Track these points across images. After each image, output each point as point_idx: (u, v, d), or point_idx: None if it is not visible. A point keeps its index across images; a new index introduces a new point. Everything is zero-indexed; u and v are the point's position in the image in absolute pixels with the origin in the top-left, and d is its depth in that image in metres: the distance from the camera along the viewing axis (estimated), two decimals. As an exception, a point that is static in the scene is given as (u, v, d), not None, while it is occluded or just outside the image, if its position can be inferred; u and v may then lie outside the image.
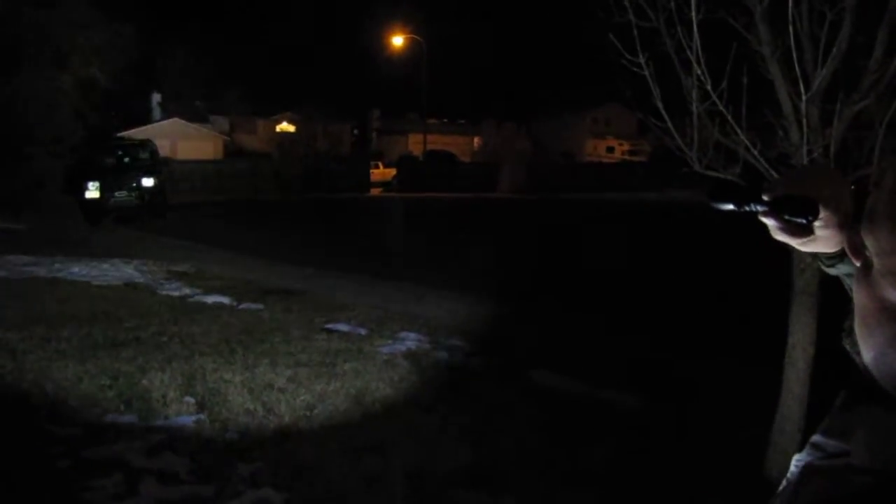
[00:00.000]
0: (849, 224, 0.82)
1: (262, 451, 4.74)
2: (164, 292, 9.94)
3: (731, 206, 0.90)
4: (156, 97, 48.22)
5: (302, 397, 5.70)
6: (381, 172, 43.00)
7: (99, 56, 25.46)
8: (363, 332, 7.88)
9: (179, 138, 42.46)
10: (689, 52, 3.67)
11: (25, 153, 26.57)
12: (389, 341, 7.52)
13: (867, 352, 0.71)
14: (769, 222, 0.87)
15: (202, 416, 5.29)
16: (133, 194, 20.77)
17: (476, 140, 59.24)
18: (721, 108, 3.62)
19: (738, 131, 3.65)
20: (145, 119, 45.73)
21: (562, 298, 10.10)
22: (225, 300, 9.42)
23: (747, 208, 0.88)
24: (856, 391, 0.73)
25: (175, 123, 44.92)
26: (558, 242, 16.75)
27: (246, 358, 6.68)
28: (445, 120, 60.64)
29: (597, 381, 6.22)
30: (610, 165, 46.81)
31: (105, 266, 11.80)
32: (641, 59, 3.82)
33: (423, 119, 45.98)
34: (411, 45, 43.78)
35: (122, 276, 11.10)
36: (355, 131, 59.06)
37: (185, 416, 5.31)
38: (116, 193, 20.49)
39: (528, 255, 14.39)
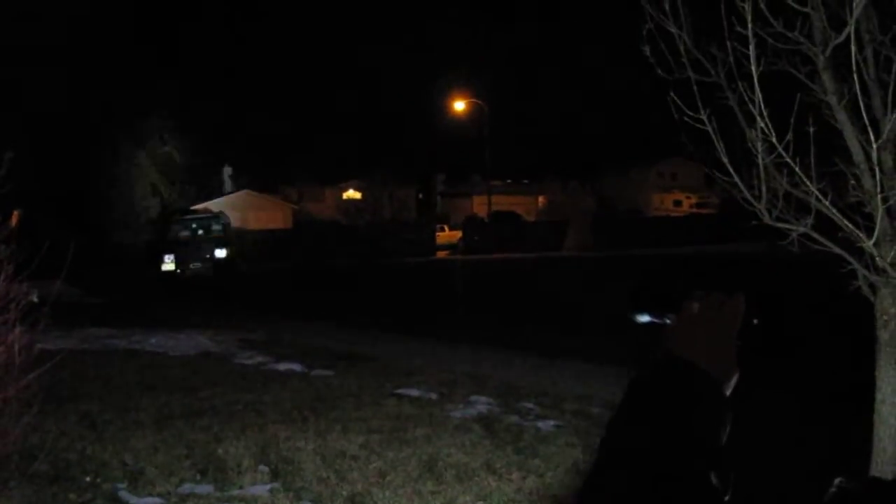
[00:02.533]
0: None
1: (336, 519, 4.72)
2: (238, 361, 10.12)
3: (647, 318, 0.96)
4: (227, 170, 49.91)
5: (374, 464, 5.68)
6: (447, 235, 43.33)
7: (174, 133, 26.62)
8: (434, 396, 7.85)
9: (250, 209, 43.69)
10: (751, 106, 3.63)
11: (106, 229, 27.76)
12: (460, 405, 7.47)
13: None
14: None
15: (276, 485, 5.31)
16: (207, 265, 21.39)
17: (541, 199, 59.30)
18: (787, 159, 3.56)
19: (807, 182, 3.57)
20: (218, 191, 47.31)
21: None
22: (296, 367, 9.53)
23: (667, 319, 0.94)
24: None
25: (246, 195, 46.32)
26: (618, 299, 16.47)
27: (318, 425, 6.71)
28: (509, 180, 60.98)
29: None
30: (678, 219, 46.20)
31: (181, 336, 12.10)
32: (703, 115, 3.79)
33: (486, 181, 46.40)
34: (473, 109, 44.48)
35: (197, 345, 11.36)
36: (420, 195, 59.88)
37: (259, 484, 5.34)
38: (192, 265, 21.15)
39: (594, 312, 14.19)
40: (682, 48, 4.04)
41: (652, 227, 42.46)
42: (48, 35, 21.50)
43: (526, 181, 62.91)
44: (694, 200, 54.98)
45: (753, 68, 3.55)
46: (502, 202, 50.56)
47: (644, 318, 0.94)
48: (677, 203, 57.48)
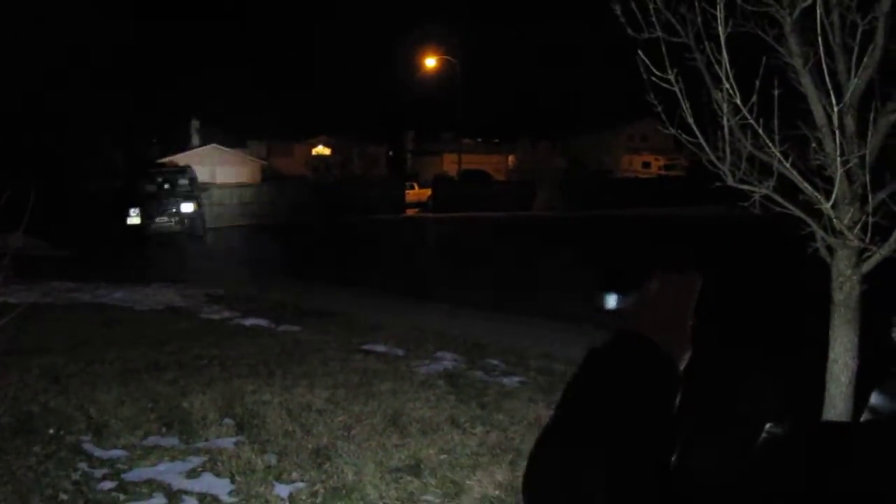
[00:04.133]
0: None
1: (301, 472, 4.78)
2: (205, 316, 10.08)
3: (613, 304, 1.02)
4: (194, 123, 49.09)
5: (339, 418, 5.73)
6: (417, 193, 43.19)
7: (139, 81, 26.10)
8: (400, 352, 7.91)
9: (218, 163, 43.11)
10: (717, 68, 3.66)
11: (72, 182, 27.28)
12: (426, 361, 7.54)
13: None
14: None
15: (242, 438, 5.35)
16: (174, 219, 21.14)
17: (511, 159, 59.28)
18: (752, 121, 3.60)
19: (770, 144, 3.62)
20: (185, 145, 46.56)
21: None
22: (263, 322, 9.52)
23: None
24: None
25: (213, 149, 45.64)
26: (587, 259, 16.64)
27: (284, 379, 6.74)
28: (480, 140, 60.82)
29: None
30: (646, 180, 46.49)
31: (147, 291, 12.02)
32: (671, 75, 3.81)
33: (457, 139, 46.18)
34: (445, 67, 44.07)
35: (164, 300, 11.29)
36: (390, 153, 59.52)
37: (225, 437, 5.37)
38: (158, 219, 20.89)
39: (560, 272, 14.32)
40: (651, 7, 4.04)
41: (621, 188, 42.70)
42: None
43: (496, 140, 62.81)
44: (662, 162, 55.35)
45: (721, 30, 3.57)
46: (472, 161, 50.45)
47: (611, 303, 0.99)
48: (646, 165, 57.85)
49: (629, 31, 4.18)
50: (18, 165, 24.64)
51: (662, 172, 52.19)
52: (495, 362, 7.55)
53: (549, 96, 60.44)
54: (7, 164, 24.01)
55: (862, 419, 0.88)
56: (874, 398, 0.88)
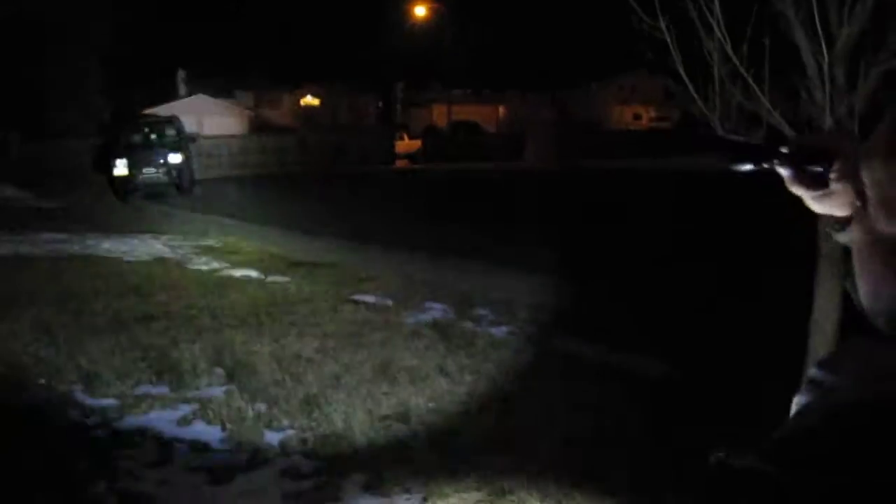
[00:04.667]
0: (860, 184, 0.83)
1: (291, 419, 4.83)
2: (194, 267, 10.08)
3: (749, 166, 0.94)
4: (181, 74, 48.37)
5: (329, 367, 5.78)
6: (407, 144, 42.90)
7: (124, 34, 25.67)
8: (389, 302, 7.94)
9: (205, 114, 42.57)
10: (709, 16, 3.63)
11: (55, 132, 26.93)
12: (415, 312, 7.58)
13: (861, 287, 0.74)
14: (785, 172, 0.92)
15: (232, 387, 5.40)
16: (161, 171, 20.96)
17: (501, 110, 58.85)
18: (742, 70, 3.58)
19: (760, 94, 3.61)
20: (171, 96, 45.97)
21: (584, 268, 10.07)
22: (253, 273, 9.53)
23: (766, 165, 0.93)
24: (851, 329, 0.76)
25: (200, 100, 45.06)
26: (577, 211, 16.66)
27: (273, 329, 6.78)
28: (470, 90, 60.25)
29: (621, 348, 6.23)
30: (637, 132, 46.33)
31: (135, 242, 11.98)
32: (662, 24, 3.78)
33: (446, 90, 45.77)
34: (434, 15, 43.47)
35: (152, 251, 11.26)
36: (380, 103, 58.95)
37: (215, 386, 5.43)
38: (144, 170, 20.68)
39: (550, 223, 14.34)
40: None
41: (611, 139, 42.53)
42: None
43: (487, 91, 62.25)
44: (653, 114, 55.09)
45: (713, -23, 3.53)
46: (463, 112, 50.05)
47: (747, 167, 0.95)
48: (637, 117, 57.56)
49: None
50: (9, 116, 24.37)
51: (653, 124, 51.98)
52: (484, 312, 7.60)
53: (539, 47, 59.73)
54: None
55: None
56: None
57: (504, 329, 7.03)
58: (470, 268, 10.16)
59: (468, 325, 7.17)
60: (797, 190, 0.93)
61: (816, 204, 0.93)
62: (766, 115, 3.81)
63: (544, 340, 6.68)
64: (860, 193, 0.75)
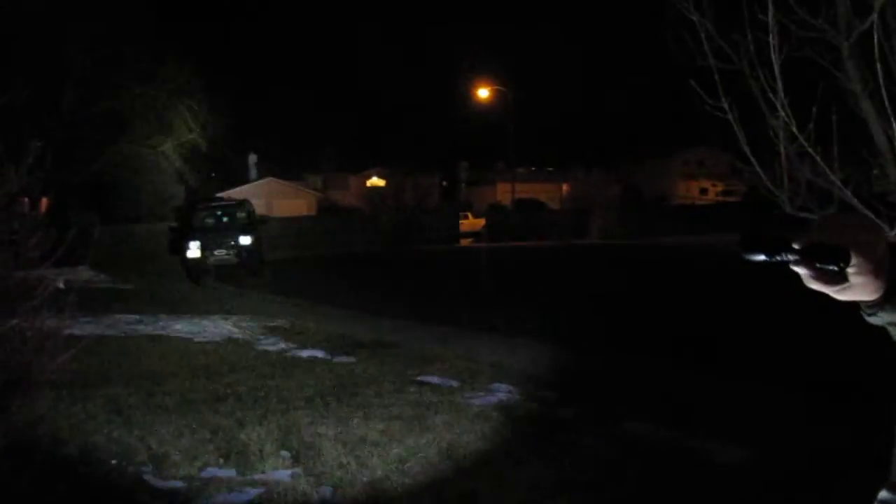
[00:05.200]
0: (884, 271, 0.84)
1: (356, 504, 4.77)
2: (262, 347, 10.21)
3: (762, 257, 0.92)
4: (252, 158, 50.17)
5: (394, 451, 5.72)
6: (471, 223, 43.29)
7: (198, 122, 26.85)
8: (454, 384, 7.88)
9: (275, 196, 43.93)
10: (772, 95, 3.60)
11: (133, 216, 28.07)
12: (481, 393, 7.50)
13: None
14: (801, 271, 0.89)
15: (297, 471, 5.37)
16: (231, 252, 21.53)
17: (565, 186, 59.07)
18: (808, 149, 3.53)
19: (829, 172, 3.54)
20: (243, 179, 47.60)
21: (653, 347, 9.86)
22: (319, 354, 9.60)
23: (779, 258, 0.91)
24: None
25: (271, 182, 46.58)
26: (643, 287, 16.42)
27: (339, 411, 6.77)
28: (534, 168, 60.79)
29: (697, 432, 6.02)
30: (704, 207, 45.80)
31: (206, 323, 12.23)
32: (724, 104, 3.76)
33: (510, 168, 46.26)
34: (498, 97, 44.32)
35: (222, 332, 11.47)
36: (444, 183, 59.87)
37: (281, 469, 5.40)
38: (216, 252, 21.28)
39: (617, 302, 14.14)
40: (703, 35, 4.01)
41: (678, 214, 42.13)
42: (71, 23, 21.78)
43: (550, 169, 62.69)
44: (720, 188, 54.47)
45: (774, 57, 3.52)
46: (526, 190, 50.47)
47: (759, 257, 0.92)
48: (703, 191, 57.02)
49: (679, 57, 4.16)
50: (89, 200, 25.58)
51: (720, 198, 51.35)
52: (551, 394, 7.46)
53: (602, 123, 60.15)
54: (78, 200, 24.93)
55: None
56: None
57: (571, 411, 6.88)
58: (537, 348, 10.05)
59: (535, 406, 7.04)
60: (815, 286, 0.90)
61: (840, 296, 0.91)
62: (837, 192, 3.72)
63: (613, 423, 6.50)
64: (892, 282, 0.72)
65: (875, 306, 0.87)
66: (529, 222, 38.78)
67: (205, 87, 26.76)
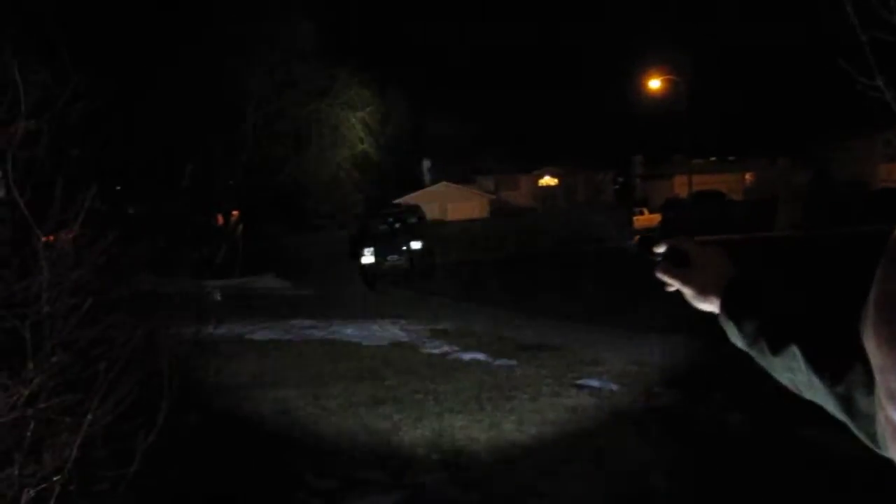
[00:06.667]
0: (706, 296, 1.09)
1: (501, 511, 4.73)
2: (426, 350, 10.41)
3: (636, 249, 1.20)
4: (426, 163, 51.50)
5: (545, 456, 5.63)
6: (647, 218, 42.07)
7: (371, 132, 27.93)
8: (615, 388, 7.65)
9: (448, 200, 44.84)
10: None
11: (314, 225, 29.59)
12: (642, 398, 7.23)
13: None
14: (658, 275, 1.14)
15: (447, 475, 5.41)
16: (403, 257, 22.16)
17: (747, 176, 56.04)
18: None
19: None
20: (418, 184, 48.96)
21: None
22: (481, 356, 9.65)
23: (650, 257, 1.18)
24: None
25: (444, 187, 47.58)
26: (827, 282, 15.18)
27: (493, 415, 6.76)
28: (713, 158, 58.08)
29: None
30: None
31: (374, 327, 12.64)
32: (880, 82, 3.39)
33: (688, 160, 44.53)
34: (670, 87, 42.79)
35: (390, 336, 11.81)
36: (619, 179, 58.57)
37: (430, 473, 5.47)
38: (389, 257, 21.98)
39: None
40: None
41: (877, 200, 38.70)
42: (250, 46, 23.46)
43: (731, 158, 59.65)
44: (925, 169, 49.62)
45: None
46: (705, 181, 48.23)
47: (634, 249, 1.23)
48: (910, 172, 52.09)
49: (859, 32, 3.78)
50: (277, 210, 27.36)
51: (929, 180, 46.72)
52: (718, 397, 7.06)
53: (786, 106, 56.36)
54: (267, 210, 26.70)
55: None
56: None
57: (738, 416, 6.47)
58: (705, 351, 9.55)
59: (700, 410, 6.69)
60: (659, 275, 1.14)
61: (690, 299, 1.13)
62: None
63: (785, 430, 6.05)
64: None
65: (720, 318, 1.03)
66: (708, 215, 37.04)
67: (377, 96, 27.81)
